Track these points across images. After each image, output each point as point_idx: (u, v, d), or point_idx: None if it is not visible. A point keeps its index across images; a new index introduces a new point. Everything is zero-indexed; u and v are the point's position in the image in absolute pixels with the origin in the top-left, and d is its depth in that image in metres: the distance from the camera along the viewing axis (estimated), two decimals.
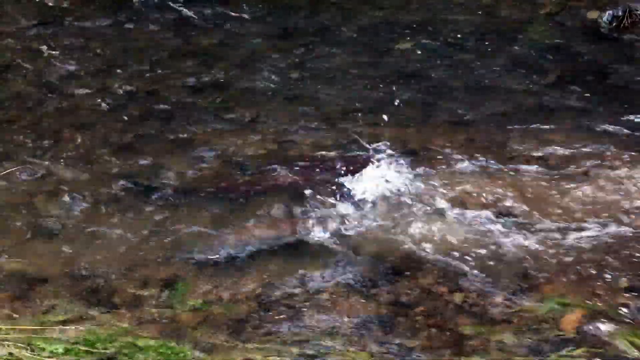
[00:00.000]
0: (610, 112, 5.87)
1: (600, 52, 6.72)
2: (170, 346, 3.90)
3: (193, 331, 4.12)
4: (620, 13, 7.06)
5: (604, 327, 3.92)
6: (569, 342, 3.88)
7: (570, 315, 4.02)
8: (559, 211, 4.86)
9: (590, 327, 3.93)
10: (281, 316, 4.21)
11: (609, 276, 4.32)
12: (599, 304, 4.11)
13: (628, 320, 3.98)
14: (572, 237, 4.63)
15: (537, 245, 4.58)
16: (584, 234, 4.65)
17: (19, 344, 3.80)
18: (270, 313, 4.24)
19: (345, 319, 4.17)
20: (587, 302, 4.13)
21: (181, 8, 7.85)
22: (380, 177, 5.14)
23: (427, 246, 4.62)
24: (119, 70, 6.82)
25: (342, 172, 5.22)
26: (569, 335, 3.92)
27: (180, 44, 7.26)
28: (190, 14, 7.77)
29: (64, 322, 4.13)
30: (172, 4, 7.91)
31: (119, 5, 7.95)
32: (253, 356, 3.89)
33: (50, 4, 8.06)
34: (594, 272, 4.36)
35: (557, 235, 4.65)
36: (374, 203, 4.99)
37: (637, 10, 7.02)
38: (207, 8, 7.79)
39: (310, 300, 4.30)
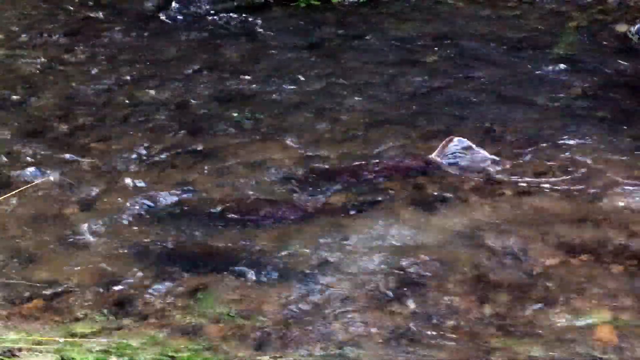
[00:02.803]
0: (638, 125, 5.83)
1: (629, 65, 6.69)
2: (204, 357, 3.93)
3: (220, 343, 4.12)
4: None
5: (639, 341, 3.89)
6: (602, 357, 3.85)
7: (603, 329, 3.99)
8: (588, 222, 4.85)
9: (624, 343, 3.90)
10: (307, 328, 4.20)
11: None
12: (631, 318, 4.08)
13: None
14: (602, 250, 4.61)
15: (566, 257, 4.56)
16: (613, 247, 4.64)
17: (50, 354, 3.82)
18: (297, 324, 4.23)
19: (372, 331, 4.16)
20: (621, 316, 4.09)
21: (209, 20, 7.90)
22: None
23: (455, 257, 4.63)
24: (147, 82, 6.86)
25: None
26: (601, 350, 3.89)
27: (207, 56, 7.30)
28: (217, 26, 7.81)
29: (94, 332, 4.15)
30: (200, 16, 7.96)
31: (147, 17, 8.01)
32: None
33: (80, 15, 8.13)
34: (624, 285, 4.33)
35: (586, 248, 4.63)
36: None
37: None
38: (234, 20, 7.83)
39: (336, 312, 4.29)
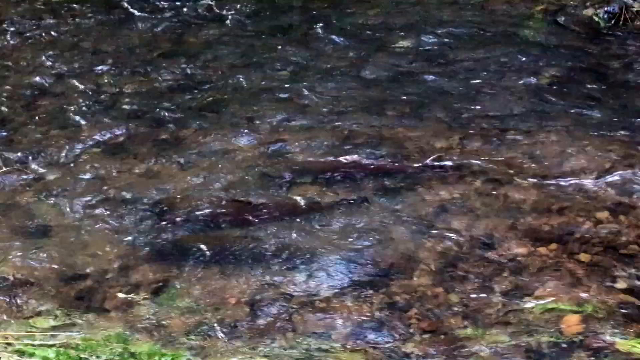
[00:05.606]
0: (607, 111, 5.83)
1: (596, 49, 6.69)
2: (164, 352, 3.86)
3: (185, 335, 4.06)
4: (616, 10, 7.03)
5: (604, 329, 3.88)
6: (568, 344, 3.84)
7: (570, 317, 3.98)
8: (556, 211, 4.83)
9: (591, 330, 3.89)
10: (276, 319, 4.16)
11: (607, 277, 4.27)
12: (597, 306, 4.07)
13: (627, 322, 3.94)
14: (567, 239, 4.60)
15: (533, 248, 4.54)
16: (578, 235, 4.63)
17: (7, 350, 3.76)
18: (265, 316, 4.18)
19: (340, 322, 4.12)
20: (585, 304, 4.08)
21: (174, 6, 7.80)
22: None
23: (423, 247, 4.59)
24: (110, 69, 6.77)
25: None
26: (569, 337, 3.88)
27: (171, 43, 7.21)
28: (182, 12, 7.72)
29: (55, 327, 4.08)
30: (165, 3, 7.86)
31: (112, 4, 7.89)
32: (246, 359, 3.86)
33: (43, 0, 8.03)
34: (591, 273, 4.32)
35: (553, 237, 4.62)
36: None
37: (633, 7, 6.99)
38: (200, 7, 7.74)
39: (305, 303, 4.25)
